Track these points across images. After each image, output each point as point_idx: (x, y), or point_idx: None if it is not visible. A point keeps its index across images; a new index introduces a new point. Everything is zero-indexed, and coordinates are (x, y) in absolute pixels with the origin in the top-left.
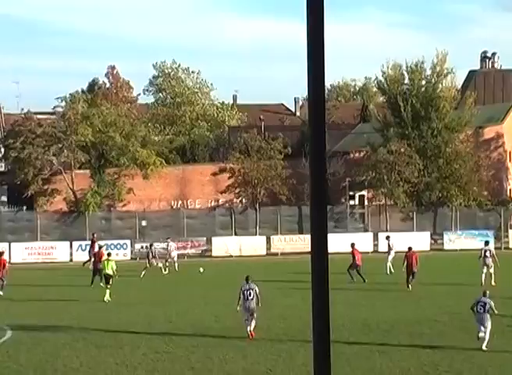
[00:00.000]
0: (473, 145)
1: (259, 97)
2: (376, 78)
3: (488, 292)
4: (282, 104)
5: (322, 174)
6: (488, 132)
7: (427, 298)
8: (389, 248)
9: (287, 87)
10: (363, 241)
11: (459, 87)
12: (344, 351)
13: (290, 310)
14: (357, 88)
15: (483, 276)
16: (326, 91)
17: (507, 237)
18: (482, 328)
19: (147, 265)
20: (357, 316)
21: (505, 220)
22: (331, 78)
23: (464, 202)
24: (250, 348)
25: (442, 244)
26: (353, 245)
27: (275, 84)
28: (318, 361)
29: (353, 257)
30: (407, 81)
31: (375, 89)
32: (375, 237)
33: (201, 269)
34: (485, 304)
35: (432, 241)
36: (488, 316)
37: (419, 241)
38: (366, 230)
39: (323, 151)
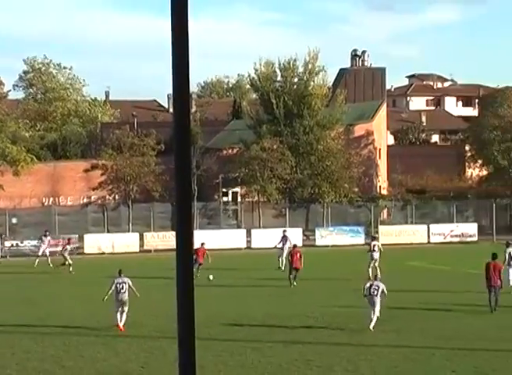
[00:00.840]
0: (344, 142)
1: (132, 93)
2: (249, 75)
3: (379, 277)
4: (155, 100)
5: (187, 171)
6: (359, 129)
7: (299, 294)
8: (284, 243)
9: (160, 84)
10: (236, 238)
11: (330, 84)
12: (216, 348)
13: (162, 307)
14: (230, 85)
15: (370, 270)
16: (199, 88)
17: (377, 233)
18: (373, 309)
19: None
20: (229, 311)
21: (375, 216)
22: (204, 75)
23: (336, 199)
24: (122, 345)
25: (314, 240)
26: (295, 246)
27: (147, 81)
28: (183, 358)
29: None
30: (279, 78)
31: (247, 86)
32: (248, 234)
33: (211, 277)
34: (378, 287)
35: (304, 237)
36: (378, 299)
37: (291, 237)
38: (239, 227)
39: (188, 147)
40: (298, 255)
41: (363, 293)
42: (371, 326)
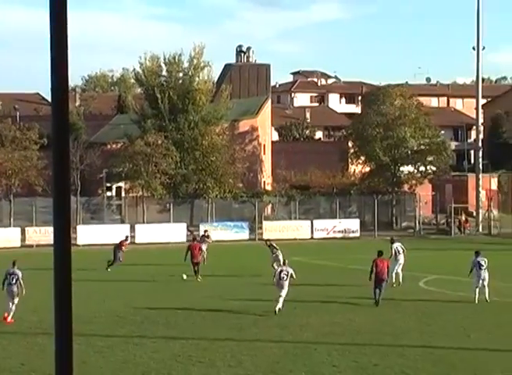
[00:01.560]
0: (229, 138)
1: (14, 86)
2: (134, 69)
3: (287, 261)
4: (38, 93)
5: (65, 164)
6: (244, 125)
7: (183, 289)
8: (205, 241)
9: (43, 77)
10: (120, 233)
11: (215, 80)
12: (98, 344)
13: (43, 303)
14: (115, 79)
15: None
16: (83, 81)
17: (261, 228)
18: (277, 291)
19: None
20: (113, 307)
21: (259, 212)
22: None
23: (220, 194)
24: (2, 341)
25: (199, 235)
26: (194, 239)
27: (30, 73)
28: (60, 353)
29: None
30: (164, 73)
31: (132, 80)
32: (132, 229)
33: (184, 276)
34: (288, 272)
35: (189, 233)
36: (287, 283)
37: (176, 232)
38: (123, 222)
39: (66, 141)
40: (198, 249)
41: (273, 279)
42: (277, 308)
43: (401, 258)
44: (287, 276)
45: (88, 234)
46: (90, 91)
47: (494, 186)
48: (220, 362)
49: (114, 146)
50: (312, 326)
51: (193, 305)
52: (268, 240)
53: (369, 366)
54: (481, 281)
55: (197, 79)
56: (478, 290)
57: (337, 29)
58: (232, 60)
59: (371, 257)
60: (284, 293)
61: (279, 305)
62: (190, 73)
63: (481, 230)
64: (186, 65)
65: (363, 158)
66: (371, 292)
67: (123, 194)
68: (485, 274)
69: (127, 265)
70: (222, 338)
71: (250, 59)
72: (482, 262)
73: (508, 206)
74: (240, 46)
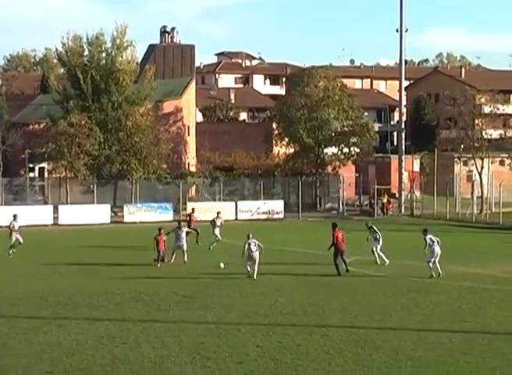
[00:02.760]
0: (153, 119)
1: None
2: (56, 49)
3: (251, 235)
4: None
5: None
6: (168, 106)
7: (106, 271)
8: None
9: None
10: (43, 214)
11: (139, 60)
12: (21, 326)
13: None
14: (38, 59)
15: (430, 265)
16: (5, 61)
17: (185, 209)
18: (251, 265)
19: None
20: (36, 289)
21: (184, 193)
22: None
23: (144, 175)
24: None
25: (123, 216)
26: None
27: None
28: None
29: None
30: (87, 53)
31: (55, 60)
32: (55, 210)
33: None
34: (256, 244)
35: (113, 214)
36: (257, 253)
37: (99, 213)
38: (46, 203)
39: None
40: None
41: (242, 252)
42: (255, 276)
43: (436, 249)
44: (256, 247)
45: (11, 215)
46: (12, 71)
47: (416, 167)
48: (145, 343)
49: (37, 126)
50: (236, 307)
51: (117, 286)
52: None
53: (293, 346)
54: (435, 257)
55: (119, 59)
56: (430, 265)
57: (262, 10)
58: (157, 41)
59: (296, 238)
60: (257, 263)
61: (255, 275)
62: (112, 53)
63: (403, 211)
64: (108, 45)
65: (287, 139)
66: (333, 265)
67: (46, 175)
68: (438, 250)
69: (50, 246)
70: (145, 320)
71: (175, 40)
72: (434, 239)
73: (430, 188)
74: (164, 27)
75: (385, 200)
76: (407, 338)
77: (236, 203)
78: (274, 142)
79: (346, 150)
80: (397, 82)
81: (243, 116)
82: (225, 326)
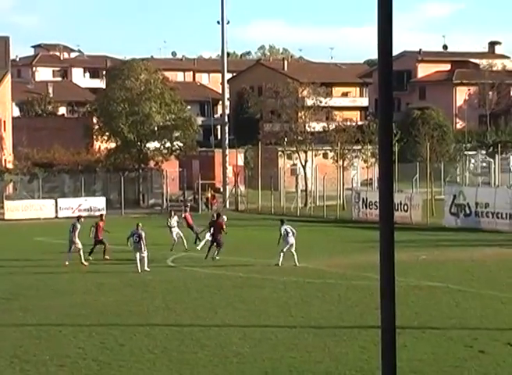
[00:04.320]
0: None
1: None
2: None
3: (140, 225)
4: None
5: None
6: None
7: None
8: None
9: None
10: None
11: None
12: None
13: None
14: None
15: (282, 255)
16: None
17: (3, 208)
18: (138, 253)
19: None
20: None
21: (0, 191)
22: None
23: None
24: None
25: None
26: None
27: None
28: None
29: None
30: None
31: None
32: None
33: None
34: (140, 235)
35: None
36: (142, 245)
37: None
38: None
39: None
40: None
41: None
42: (146, 268)
43: (291, 240)
44: (139, 238)
45: None
46: None
47: (241, 161)
48: None
49: None
50: (57, 308)
51: None
52: None
53: (116, 346)
54: (288, 247)
55: None
56: (282, 254)
57: (79, 1)
58: None
59: (119, 235)
60: (144, 252)
61: (146, 265)
62: None
63: (228, 206)
64: None
65: (108, 134)
66: (206, 250)
67: None
68: (292, 241)
69: None
70: None
71: None
72: (289, 229)
73: (255, 182)
74: None
75: (209, 195)
76: (233, 335)
77: (56, 200)
78: (95, 137)
79: (168, 144)
80: (220, 75)
81: (62, 110)
82: (46, 328)
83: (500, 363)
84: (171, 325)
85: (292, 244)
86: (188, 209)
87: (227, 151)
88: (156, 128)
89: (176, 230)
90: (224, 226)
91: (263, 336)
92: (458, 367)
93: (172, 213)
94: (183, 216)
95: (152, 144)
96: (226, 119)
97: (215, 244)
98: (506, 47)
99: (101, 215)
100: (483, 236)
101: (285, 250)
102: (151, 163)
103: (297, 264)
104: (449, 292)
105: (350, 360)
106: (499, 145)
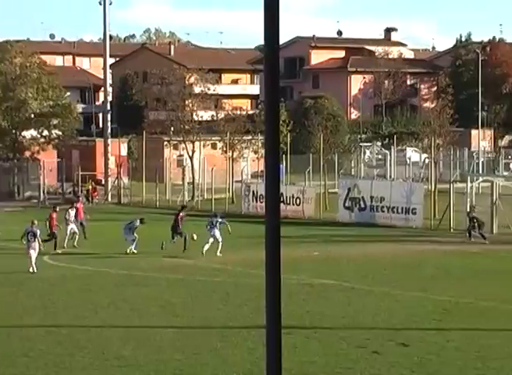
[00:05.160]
0: None
1: None
2: None
3: (36, 222)
4: None
5: None
6: None
7: None
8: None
9: None
10: None
11: None
12: None
13: None
14: None
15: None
16: None
17: None
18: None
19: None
20: None
21: None
22: None
23: None
24: None
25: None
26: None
27: None
28: None
29: None
30: None
31: None
32: None
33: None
34: (34, 232)
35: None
36: (37, 243)
37: None
38: None
39: None
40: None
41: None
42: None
43: (216, 233)
44: (34, 237)
45: None
46: None
47: (124, 152)
48: None
49: None
50: None
51: None
52: None
53: None
54: (212, 238)
55: None
56: (207, 245)
57: None
58: None
59: None
60: (36, 250)
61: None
62: None
63: (110, 199)
64: None
65: None
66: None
67: None
68: (216, 232)
69: None
70: None
71: None
72: (214, 221)
73: (138, 173)
74: None
75: (90, 187)
76: (115, 336)
77: None
78: None
79: (46, 133)
80: (102, 59)
81: None
82: None
83: (394, 364)
84: (48, 326)
85: (215, 235)
86: (81, 200)
87: (109, 141)
88: (33, 115)
89: (71, 226)
90: (181, 219)
91: (147, 337)
92: (350, 369)
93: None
94: (76, 206)
95: (28, 133)
96: (108, 107)
97: (179, 236)
98: (403, 34)
99: (54, 206)
100: (378, 231)
101: (210, 241)
102: (27, 153)
103: (220, 254)
104: (342, 290)
105: (238, 362)
106: (395, 136)
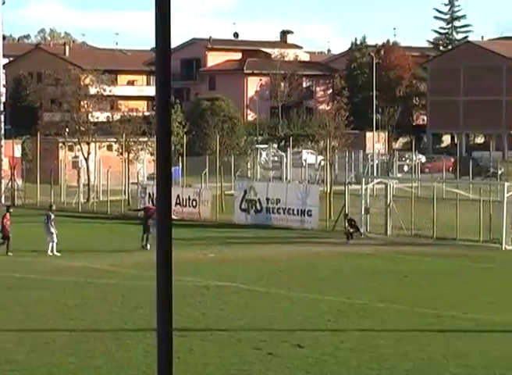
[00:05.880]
0: None
1: None
2: None
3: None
4: None
5: None
6: None
7: None
8: None
9: None
10: None
11: None
12: None
13: None
14: None
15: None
16: None
17: None
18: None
19: None
20: None
21: None
22: None
23: None
24: None
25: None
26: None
27: None
28: None
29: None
30: None
31: None
32: None
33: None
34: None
35: None
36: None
37: None
38: None
39: None
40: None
41: None
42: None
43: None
44: None
45: None
46: None
47: (18, 153)
48: None
49: None
50: None
51: None
52: None
53: None
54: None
55: None
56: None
57: None
58: None
59: None
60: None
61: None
62: None
63: (3, 200)
64: None
65: None
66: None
67: None
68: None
69: None
70: None
71: None
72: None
73: (33, 175)
74: None
75: None
76: (7, 340)
77: None
78: None
79: None
80: None
81: None
82: None
83: (289, 366)
84: None
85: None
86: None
87: (2, 142)
88: None
89: None
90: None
91: (40, 341)
92: (246, 371)
93: None
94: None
95: None
96: (2, 108)
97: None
98: (299, 36)
99: (8, 206)
100: (274, 233)
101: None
102: None
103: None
104: (238, 292)
105: (132, 365)
106: (291, 139)
